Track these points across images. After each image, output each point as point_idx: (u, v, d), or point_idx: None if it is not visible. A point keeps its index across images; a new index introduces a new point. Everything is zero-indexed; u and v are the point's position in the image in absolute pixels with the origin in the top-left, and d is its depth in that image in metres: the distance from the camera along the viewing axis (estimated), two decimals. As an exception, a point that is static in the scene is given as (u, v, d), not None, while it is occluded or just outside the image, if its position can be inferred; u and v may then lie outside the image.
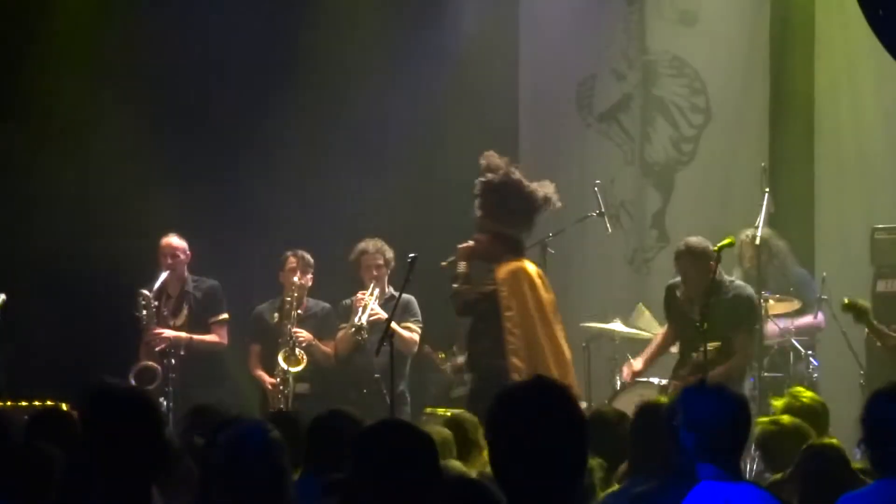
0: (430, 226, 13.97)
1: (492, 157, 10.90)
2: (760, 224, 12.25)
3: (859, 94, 13.52)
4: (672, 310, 12.04)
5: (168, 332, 12.26)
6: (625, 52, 15.13)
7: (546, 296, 10.87)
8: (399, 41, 14.66)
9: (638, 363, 12.01)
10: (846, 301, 11.38)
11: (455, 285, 11.00)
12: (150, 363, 12.22)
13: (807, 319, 12.40)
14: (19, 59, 13.85)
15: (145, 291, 12.23)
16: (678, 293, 11.89)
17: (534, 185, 10.86)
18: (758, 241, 12.25)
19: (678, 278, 11.90)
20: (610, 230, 13.35)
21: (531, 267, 10.85)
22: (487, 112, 15.14)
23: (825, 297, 12.47)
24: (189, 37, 14.01)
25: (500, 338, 10.69)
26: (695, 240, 11.82)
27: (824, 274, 12.71)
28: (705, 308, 11.23)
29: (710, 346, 11.26)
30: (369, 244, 12.62)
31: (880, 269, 12.39)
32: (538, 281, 10.82)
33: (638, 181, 14.96)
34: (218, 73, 14.41)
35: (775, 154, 13.95)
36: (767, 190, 12.54)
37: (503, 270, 10.74)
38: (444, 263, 11.41)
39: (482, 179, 10.83)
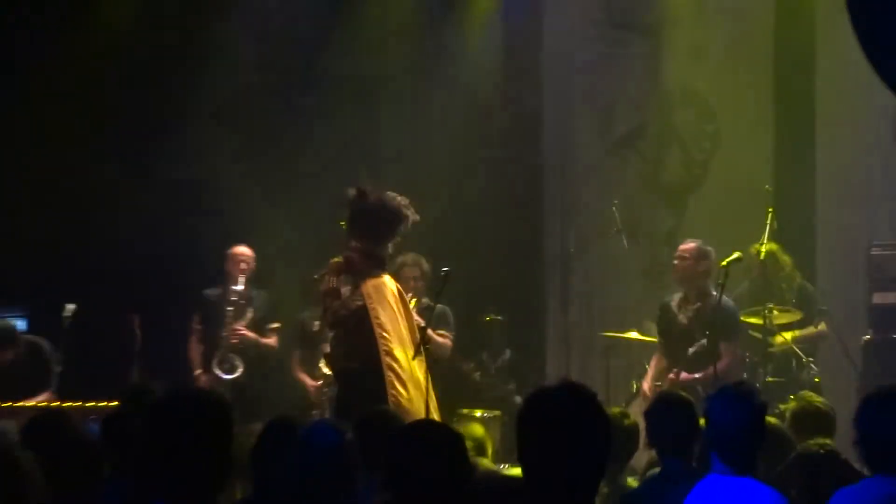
0: (461, 242, 13.97)
1: (361, 185, 10.86)
2: (765, 240, 12.26)
3: (858, 121, 13.50)
4: (664, 323, 12.08)
5: (245, 331, 12.27)
6: (641, 84, 15.15)
7: (399, 310, 10.85)
8: (435, 72, 14.65)
9: (646, 387, 11.96)
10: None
11: (328, 300, 10.92)
12: (233, 354, 12.26)
13: (811, 330, 12.37)
14: (80, 75, 13.78)
15: (236, 288, 12.23)
16: (672, 304, 11.93)
17: (395, 204, 10.80)
18: (762, 257, 12.26)
19: (673, 294, 11.97)
20: (627, 246, 13.35)
21: (391, 283, 10.81)
22: (515, 139, 15.16)
23: (825, 307, 12.45)
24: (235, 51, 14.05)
25: (357, 345, 10.52)
26: (700, 242, 11.89)
27: (825, 287, 12.72)
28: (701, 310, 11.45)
29: (705, 341, 11.36)
30: (408, 258, 12.61)
31: (876, 282, 12.35)
32: (396, 296, 10.79)
33: (653, 202, 14.97)
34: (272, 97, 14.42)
35: (779, 176, 13.95)
36: (771, 210, 12.54)
37: (369, 285, 10.69)
38: (315, 277, 11.28)
39: (355, 205, 10.76)
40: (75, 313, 11.93)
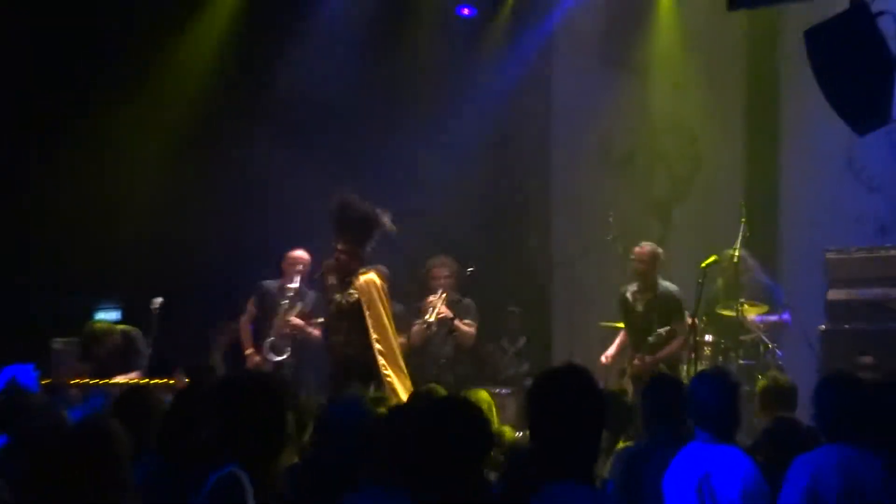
0: (484, 247, 14.01)
1: (347, 195, 10.91)
2: (738, 246, 12.27)
3: (817, 147, 13.48)
4: (623, 311, 12.12)
5: (298, 321, 12.29)
6: (632, 114, 15.15)
7: (388, 303, 10.89)
8: (461, 105, 14.68)
9: (610, 351, 12.10)
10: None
11: (330, 294, 10.96)
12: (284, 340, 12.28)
13: (774, 318, 12.38)
14: (164, 104, 13.86)
15: (291, 285, 12.23)
16: (628, 295, 11.96)
17: (373, 212, 10.87)
18: (736, 260, 12.27)
19: (627, 285, 12.03)
20: (621, 251, 13.35)
21: (375, 276, 10.86)
22: (528, 161, 15.20)
23: (788, 302, 12.46)
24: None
25: (352, 331, 10.69)
26: (652, 245, 11.99)
27: (788, 285, 12.72)
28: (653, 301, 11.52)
29: (662, 330, 11.40)
30: (439, 259, 12.66)
31: (830, 281, 12.34)
32: (382, 290, 10.84)
33: (643, 213, 14.96)
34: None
35: (750, 192, 13.91)
36: (744, 220, 12.54)
37: (359, 281, 10.76)
38: (316, 276, 11.50)
39: (340, 213, 10.81)
40: (162, 305, 11.99)
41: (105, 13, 13.34)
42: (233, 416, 5.03)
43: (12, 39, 12.78)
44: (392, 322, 10.92)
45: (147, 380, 11.38)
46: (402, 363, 10.75)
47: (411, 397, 7.45)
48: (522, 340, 13.85)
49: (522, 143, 15.29)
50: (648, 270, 11.77)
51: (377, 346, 10.64)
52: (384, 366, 10.52)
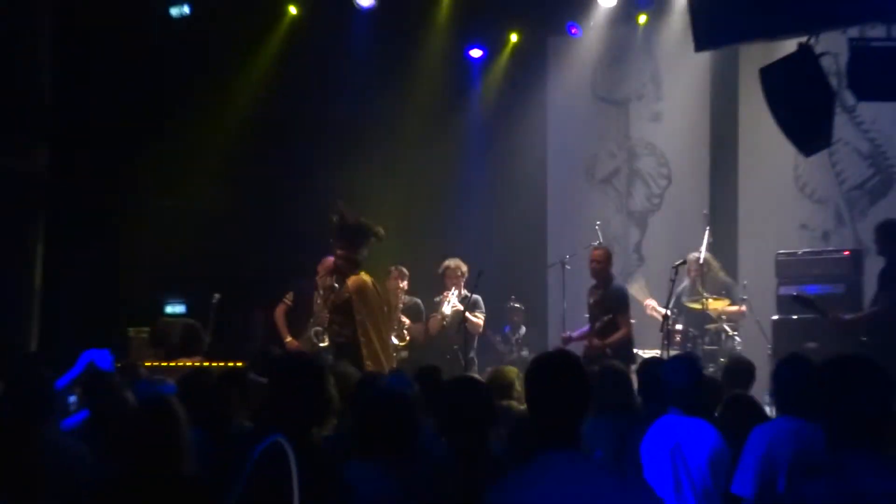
0: (491, 251, 14.02)
1: (342, 207, 10.90)
2: (703, 249, 12.25)
3: (769, 166, 13.46)
4: (587, 302, 11.99)
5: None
6: (615, 139, 15.12)
7: (378, 299, 10.86)
8: (470, 130, 14.70)
9: (575, 333, 11.97)
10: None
11: (327, 293, 10.98)
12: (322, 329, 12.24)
13: (733, 308, 12.33)
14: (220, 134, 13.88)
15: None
16: (588, 289, 11.91)
17: (366, 223, 10.85)
18: (701, 261, 12.25)
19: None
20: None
21: (368, 278, 10.84)
22: (528, 177, 15.20)
23: (745, 297, 12.42)
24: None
25: (344, 324, 10.71)
26: (606, 248, 11.96)
27: (745, 282, 12.67)
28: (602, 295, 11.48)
29: (605, 318, 11.37)
30: (451, 262, 12.66)
31: (781, 278, 12.29)
32: (373, 288, 10.83)
33: (624, 223, 14.93)
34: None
35: (713, 204, 13.87)
36: (708, 228, 12.54)
37: (352, 282, 10.74)
38: (318, 278, 11.53)
39: (339, 222, 10.80)
40: (219, 300, 12.00)
41: (176, 59, 13.42)
42: (281, 391, 5.01)
43: (104, 87, 12.88)
44: (383, 317, 10.91)
45: (207, 363, 11.40)
46: (381, 355, 10.73)
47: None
48: (523, 330, 13.83)
49: (522, 164, 15.27)
50: (602, 269, 11.69)
51: (361, 338, 10.64)
52: (365, 355, 10.54)
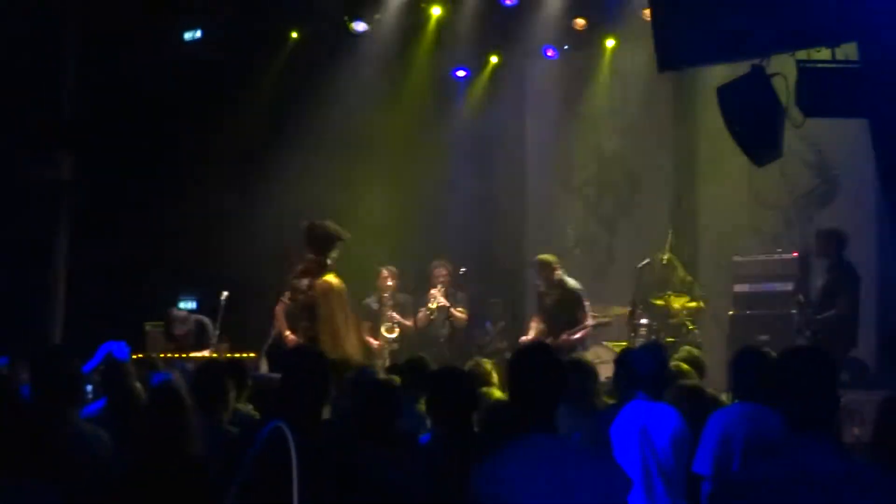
0: (475, 252, 14.01)
1: (313, 219, 10.91)
2: (667, 251, 12.27)
3: (727, 175, 13.45)
4: (539, 303, 12.05)
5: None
6: (588, 151, 15.14)
7: (341, 301, 10.75)
8: (455, 144, 14.69)
9: (531, 336, 11.91)
10: None
11: (296, 293, 10.86)
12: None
13: (693, 304, 12.34)
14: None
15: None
16: (541, 290, 11.94)
17: (334, 229, 10.82)
18: (665, 262, 12.27)
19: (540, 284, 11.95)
20: (579, 254, 13.37)
21: (335, 281, 10.75)
22: (509, 185, 15.22)
23: (704, 293, 12.44)
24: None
25: (310, 322, 10.65)
26: (544, 257, 11.95)
27: (703, 281, 12.71)
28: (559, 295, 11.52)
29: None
30: (438, 263, 12.68)
31: (736, 277, 12.32)
32: (338, 290, 10.73)
33: (595, 226, 14.94)
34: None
35: (675, 209, 13.91)
36: (671, 231, 12.56)
37: (318, 284, 10.68)
38: (293, 279, 11.16)
39: (308, 229, 10.79)
40: (227, 298, 11.96)
41: (189, 76, 13.44)
42: (291, 380, 5.00)
43: (122, 101, 12.89)
44: (345, 317, 10.79)
45: (215, 354, 11.37)
46: (342, 352, 10.72)
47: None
48: (502, 324, 13.83)
49: (503, 173, 15.28)
50: (550, 275, 11.72)
51: (323, 336, 10.58)
52: (323, 349, 10.50)
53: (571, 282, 11.86)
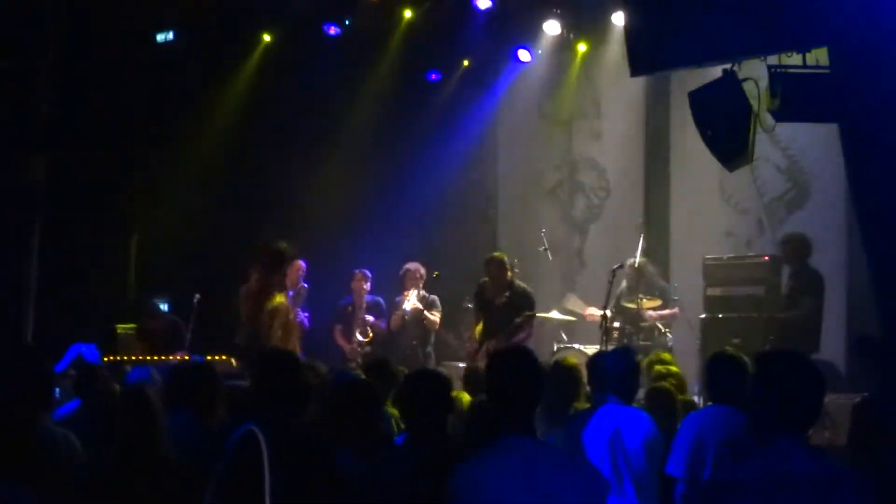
0: (448, 256, 14.02)
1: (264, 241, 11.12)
2: (638, 254, 12.31)
3: (698, 180, 13.53)
4: (481, 301, 11.98)
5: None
6: (560, 155, 15.17)
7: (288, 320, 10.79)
8: (432, 145, 14.71)
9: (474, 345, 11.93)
10: None
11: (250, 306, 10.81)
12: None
13: (667, 311, 12.40)
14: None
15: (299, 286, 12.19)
16: (487, 290, 11.88)
17: (283, 247, 10.84)
18: (637, 265, 12.30)
19: (485, 279, 11.91)
20: (551, 258, 13.38)
21: (281, 298, 10.69)
22: (481, 188, 15.25)
23: (676, 297, 12.48)
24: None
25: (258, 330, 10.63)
26: (500, 254, 11.97)
27: (676, 284, 12.75)
28: (509, 297, 11.56)
29: (517, 320, 11.50)
30: (411, 265, 12.67)
31: (708, 280, 12.34)
32: (284, 312, 10.71)
33: (567, 230, 14.97)
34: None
35: (648, 213, 13.97)
36: (643, 235, 12.60)
37: (270, 304, 10.62)
38: (286, 280, 11.26)
39: (260, 254, 10.85)
40: (199, 300, 11.93)
41: (162, 79, 13.43)
42: (259, 383, 5.00)
43: (97, 103, 12.84)
44: (292, 333, 10.79)
45: (188, 357, 11.34)
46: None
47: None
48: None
49: (476, 176, 15.31)
50: (502, 276, 11.73)
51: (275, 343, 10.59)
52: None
53: (522, 284, 11.87)
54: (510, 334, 11.46)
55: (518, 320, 11.53)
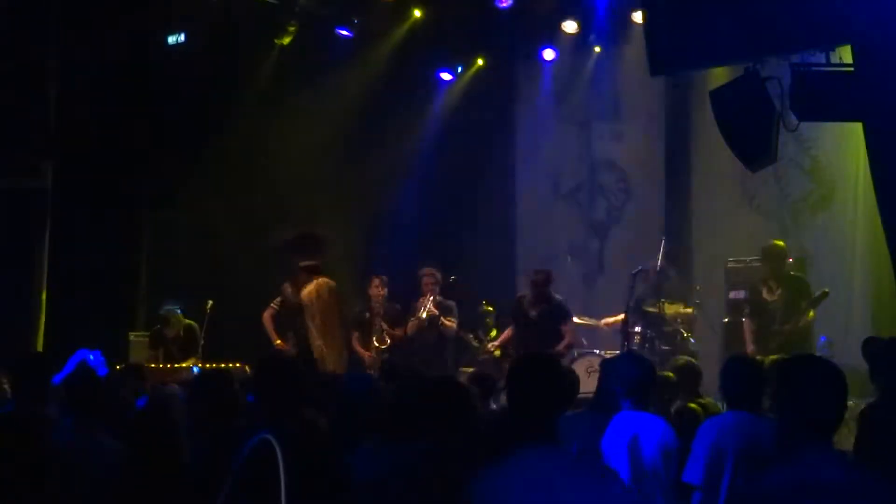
0: (466, 260, 14.04)
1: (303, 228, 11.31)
2: (660, 257, 12.29)
3: (720, 182, 13.52)
4: (518, 313, 12.07)
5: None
6: (579, 157, 15.18)
7: (327, 303, 11.05)
8: (445, 152, 14.73)
9: (497, 342, 12.20)
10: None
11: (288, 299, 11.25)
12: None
13: (689, 311, 12.40)
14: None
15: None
16: (524, 301, 11.99)
17: (321, 232, 11.12)
18: (658, 268, 12.29)
19: (524, 293, 12.07)
20: (570, 262, 13.39)
21: (324, 283, 11.13)
22: (498, 191, 15.25)
23: (698, 301, 12.47)
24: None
25: (300, 327, 11.13)
26: (544, 270, 12.05)
27: (698, 287, 12.74)
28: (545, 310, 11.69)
29: (558, 348, 11.56)
30: (427, 270, 12.66)
31: (730, 284, 12.35)
32: (327, 293, 11.08)
33: (586, 233, 14.97)
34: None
35: (669, 216, 13.97)
36: (664, 237, 12.58)
37: (307, 289, 10.99)
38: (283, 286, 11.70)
39: (293, 237, 11.18)
40: (212, 306, 11.99)
41: (172, 82, 13.47)
42: (270, 390, 5.02)
43: (105, 108, 12.89)
44: (334, 320, 11.19)
45: (201, 364, 11.40)
46: (330, 355, 11.00)
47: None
48: (493, 332, 13.79)
49: (493, 180, 15.31)
50: (541, 288, 11.82)
51: (316, 341, 11.13)
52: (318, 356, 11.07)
53: (559, 297, 11.94)
54: (548, 343, 11.61)
55: (559, 347, 11.66)
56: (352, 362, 12.14)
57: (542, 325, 11.76)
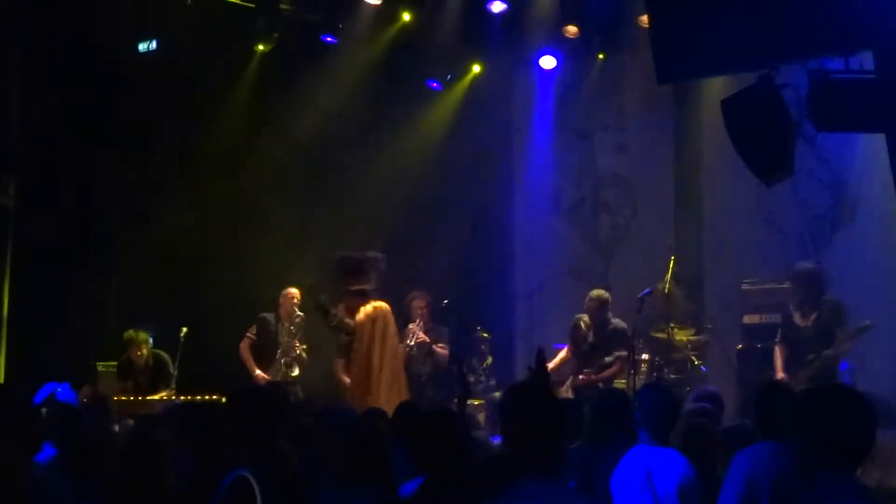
0: (460, 283, 14.07)
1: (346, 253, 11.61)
2: (668, 279, 12.32)
3: (732, 198, 13.53)
4: (576, 336, 12.19)
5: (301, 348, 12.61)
6: (581, 170, 15.22)
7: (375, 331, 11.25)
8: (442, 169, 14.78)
9: (552, 364, 11.99)
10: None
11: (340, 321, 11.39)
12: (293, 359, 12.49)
13: (699, 338, 12.43)
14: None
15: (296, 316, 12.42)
16: (581, 324, 12.09)
17: (368, 256, 11.43)
18: (667, 291, 12.32)
19: (583, 315, 12.16)
20: (572, 282, 13.42)
21: (380, 307, 11.36)
22: (493, 207, 15.28)
23: (710, 325, 12.49)
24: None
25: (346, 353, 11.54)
26: (600, 292, 12.18)
27: (710, 311, 12.78)
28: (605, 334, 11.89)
29: (609, 358, 11.87)
30: (417, 294, 12.73)
31: (745, 307, 12.37)
32: (372, 320, 11.25)
33: (589, 252, 15.00)
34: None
35: (678, 234, 13.96)
36: (673, 256, 12.59)
37: (360, 315, 11.29)
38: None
39: (342, 260, 11.49)
40: (186, 334, 11.99)
41: (143, 93, 13.48)
42: (245, 425, 5.05)
43: (71, 120, 12.90)
44: (385, 347, 11.25)
45: (176, 396, 11.39)
46: (375, 385, 11.15)
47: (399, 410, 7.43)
48: (490, 360, 13.85)
49: (487, 196, 15.35)
50: (597, 312, 11.94)
51: (355, 369, 11.39)
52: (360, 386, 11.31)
53: (619, 321, 12.11)
54: (600, 370, 11.92)
55: (609, 359, 11.91)
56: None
57: (599, 350, 12.02)
